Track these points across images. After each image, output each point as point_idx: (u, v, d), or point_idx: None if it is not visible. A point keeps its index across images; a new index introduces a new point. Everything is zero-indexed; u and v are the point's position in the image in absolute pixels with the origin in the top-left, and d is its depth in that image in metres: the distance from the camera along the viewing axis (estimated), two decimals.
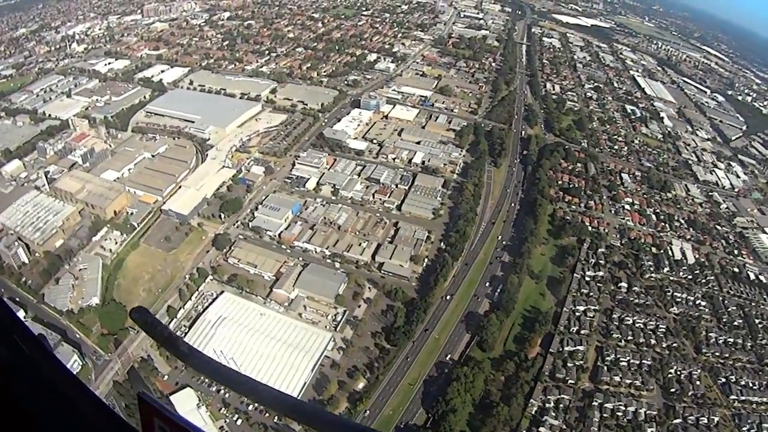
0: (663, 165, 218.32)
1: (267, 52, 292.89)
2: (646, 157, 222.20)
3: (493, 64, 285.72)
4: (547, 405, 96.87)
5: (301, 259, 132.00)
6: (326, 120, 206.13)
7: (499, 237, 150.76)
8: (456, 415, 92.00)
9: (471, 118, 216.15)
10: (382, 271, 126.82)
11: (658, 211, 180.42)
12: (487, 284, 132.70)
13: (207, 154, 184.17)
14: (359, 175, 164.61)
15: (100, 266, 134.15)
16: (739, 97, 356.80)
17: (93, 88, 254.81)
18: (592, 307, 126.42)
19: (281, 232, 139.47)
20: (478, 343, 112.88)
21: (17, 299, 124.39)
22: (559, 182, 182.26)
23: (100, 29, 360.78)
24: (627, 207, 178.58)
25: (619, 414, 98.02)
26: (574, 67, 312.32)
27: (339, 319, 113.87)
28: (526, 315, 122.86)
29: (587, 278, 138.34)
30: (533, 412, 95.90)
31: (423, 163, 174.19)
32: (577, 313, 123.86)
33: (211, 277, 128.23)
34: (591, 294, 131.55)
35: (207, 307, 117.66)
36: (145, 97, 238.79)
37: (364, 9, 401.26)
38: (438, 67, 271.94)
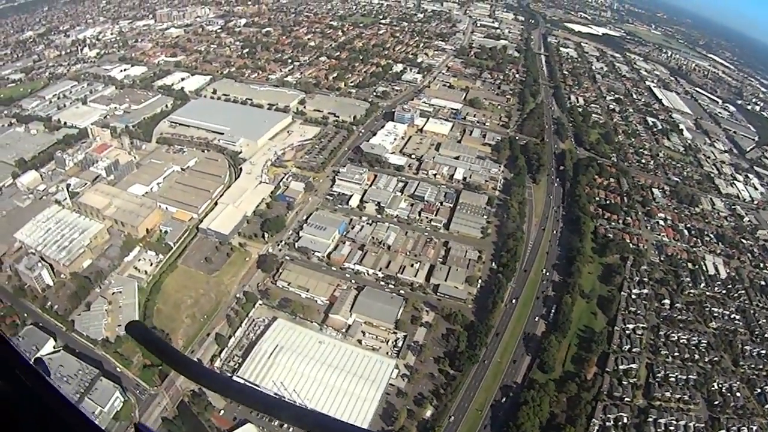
0: (688, 179, 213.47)
1: (290, 60, 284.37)
2: (671, 170, 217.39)
3: (517, 76, 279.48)
4: (607, 423, 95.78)
5: (354, 281, 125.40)
6: (360, 133, 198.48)
7: (547, 255, 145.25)
8: None
9: (503, 132, 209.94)
10: (438, 294, 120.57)
11: (689, 226, 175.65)
12: (541, 305, 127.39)
13: (241, 169, 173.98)
14: (402, 192, 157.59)
15: (136, 290, 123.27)
16: (749, 107, 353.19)
17: (110, 95, 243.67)
18: (641, 325, 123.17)
19: (329, 252, 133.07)
20: (538, 365, 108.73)
21: (41, 325, 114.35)
22: (597, 198, 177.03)
23: (111, 34, 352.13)
24: (661, 223, 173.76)
25: (671, 428, 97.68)
26: (594, 79, 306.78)
27: (400, 344, 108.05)
28: (581, 335, 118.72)
29: (633, 296, 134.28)
30: (596, 431, 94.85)
31: (464, 179, 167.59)
32: (627, 332, 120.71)
33: (260, 302, 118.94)
34: (638, 312, 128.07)
35: (260, 335, 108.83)
36: (166, 106, 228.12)
37: (381, 17, 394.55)
38: (464, 78, 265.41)
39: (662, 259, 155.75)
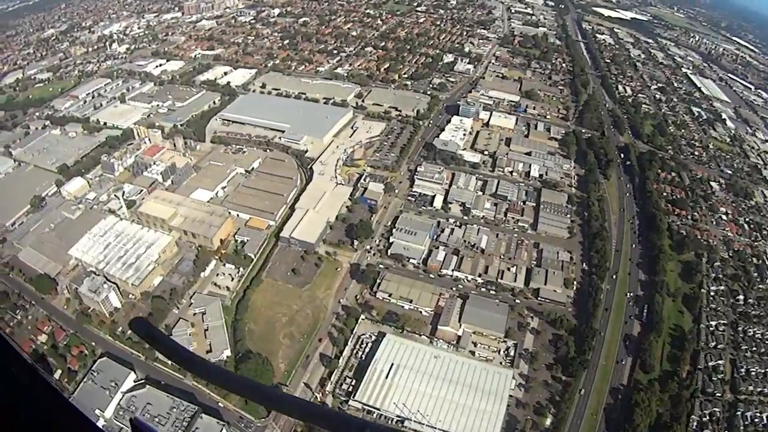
0: (739, 171, 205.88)
1: (335, 51, 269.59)
2: (723, 162, 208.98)
3: (564, 65, 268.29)
4: (703, 419, 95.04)
5: (454, 289, 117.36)
6: (427, 128, 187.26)
7: (630, 254, 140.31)
8: None
9: (564, 125, 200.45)
10: (539, 298, 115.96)
11: (748, 219, 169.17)
12: (632, 305, 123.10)
13: (311, 169, 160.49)
14: (483, 191, 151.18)
15: (221, 309, 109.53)
16: None
17: (149, 92, 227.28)
18: (722, 322, 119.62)
19: (424, 258, 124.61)
20: (640, 365, 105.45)
21: (114, 355, 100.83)
22: (664, 194, 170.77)
23: (139, 28, 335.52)
24: (723, 217, 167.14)
25: (756, 420, 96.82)
26: (635, 67, 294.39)
27: (512, 353, 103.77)
28: (672, 333, 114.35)
29: (711, 293, 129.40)
30: (694, 427, 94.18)
31: (540, 176, 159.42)
32: (711, 328, 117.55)
33: (363, 317, 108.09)
34: (718, 309, 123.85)
35: (370, 353, 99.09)
36: (214, 102, 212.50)
37: (415, 4, 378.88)
38: (513, 68, 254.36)
39: (730, 254, 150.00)
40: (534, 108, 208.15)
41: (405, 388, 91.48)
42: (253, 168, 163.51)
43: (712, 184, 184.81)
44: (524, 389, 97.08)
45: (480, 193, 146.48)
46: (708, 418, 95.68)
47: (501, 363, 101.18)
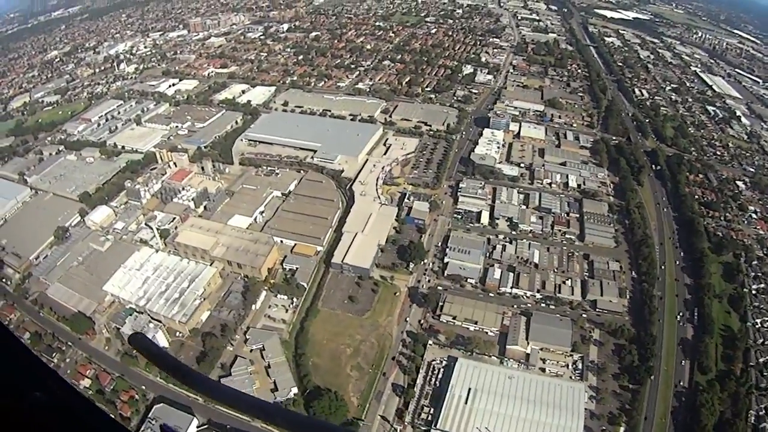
0: (761, 168, 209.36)
1: (353, 66, 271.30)
2: (744, 160, 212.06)
3: (579, 71, 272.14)
4: (760, 413, 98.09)
5: (515, 307, 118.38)
6: (460, 142, 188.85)
7: (674, 259, 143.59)
8: None
9: (591, 133, 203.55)
10: (597, 310, 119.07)
11: None
12: (683, 308, 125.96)
13: (351, 190, 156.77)
14: (526, 204, 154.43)
15: (279, 343, 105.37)
16: None
17: (166, 113, 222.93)
18: (766, 319, 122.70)
19: (481, 277, 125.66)
20: (698, 367, 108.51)
21: (166, 397, 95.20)
22: (696, 197, 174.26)
23: (145, 47, 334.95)
24: (753, 216, 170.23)
25: None
26: (647, 68, 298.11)
27: (580, 366, 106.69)
28: (722, 334, 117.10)
29: (753, 291, 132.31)
30: (752, 421, 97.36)
31: (578, 186, 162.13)
32: (757, 326, 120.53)
33: (431, 342, 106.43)
34: (762, 307, 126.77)
35: (444, 379, 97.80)
36: (236, 122, 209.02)
37: (423, 14, 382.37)
38: (532, 77, 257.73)
39: (765, 252, 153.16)
40: (560, 117, 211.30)
41: (485, 411, 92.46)
42: (290, 191, 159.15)
43: (738, 183, 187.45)
44: (596, 401, 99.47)
45: (524, 206, 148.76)
46: (765, 412, 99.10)
47: (571, 377, 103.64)
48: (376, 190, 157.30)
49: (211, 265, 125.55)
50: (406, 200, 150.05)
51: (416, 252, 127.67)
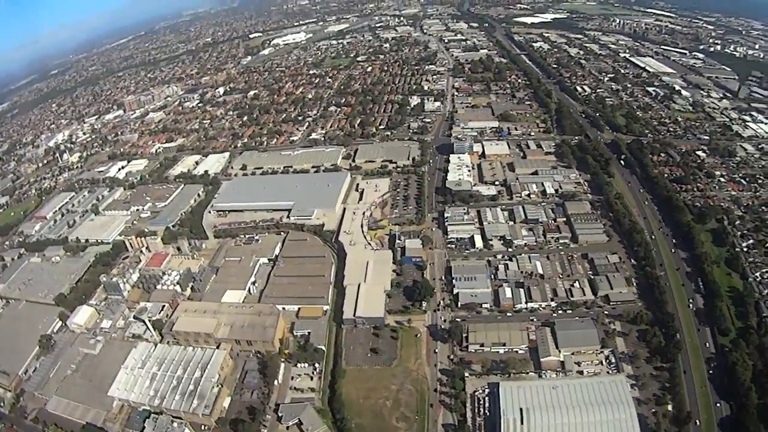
0: (713, 134, 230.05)
1: (300, 118, 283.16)
2: (696, 131, 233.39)
3: (519, 81, 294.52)
4: None
5: (535, 320, 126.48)
6: (429, 173, 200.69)
7: (665, 237, 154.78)
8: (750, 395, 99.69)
9: (549, 138, 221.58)
10: (611, 303, 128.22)
11: (741, 175, 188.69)
12: (688, 280, 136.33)
13: (338, 242, 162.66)
14: (513, 220, 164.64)
15: (315, 414, 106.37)
16: (711, 50, 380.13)
17: (123, 198, 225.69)
18: (764, 271, 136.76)
19: (494, 300, 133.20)
20: (719, 331, 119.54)
21: None
22: (665, 175, 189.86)
23: (84, 133, 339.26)
24: (722, 180, 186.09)
25: None
26: (581, 65, 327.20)
27: (613, 360, 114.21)
28: (729, 295, 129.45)
29: (744, 249, 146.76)
30: None
31: (556, 191, 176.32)
32: (758, 279, 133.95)
33: (467, 374, 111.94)
34: (756, 261, 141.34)
35: (491, 406, 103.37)
36: (198, 195, 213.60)
37: (353, 55, 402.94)
38: (477, 95, 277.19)
39: (743, 211, 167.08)
40: (516, 128, 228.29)
41: (542, 426, 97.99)
42: (276, 255, 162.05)
43: (699, 153, 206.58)
44: (638, 388, 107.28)
45: (511, 222, 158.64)
46: None
47: (608, 372, 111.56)
48: (364, 237, 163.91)
49: (218, 348, 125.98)
50: (397, 241, 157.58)
51: (425, 290, 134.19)
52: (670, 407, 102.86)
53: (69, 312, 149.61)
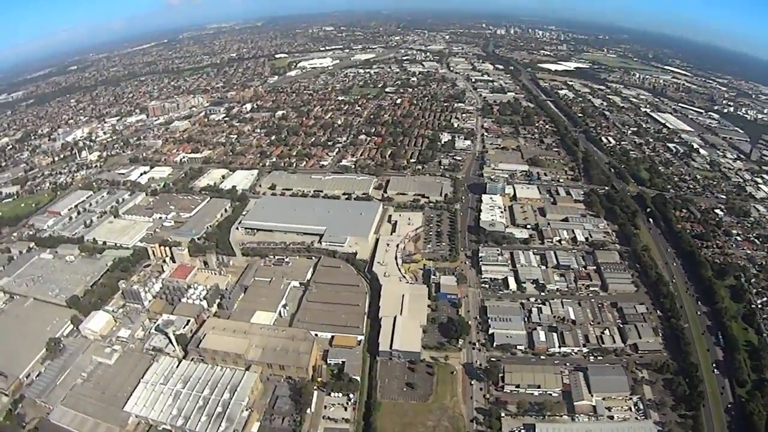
0: (729, 193, 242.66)
1: (330, 143, 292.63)
2: (714, 189, 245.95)
3: (547, 126, 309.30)
4: None
5: (567, 364, 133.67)
6: (462, 211, 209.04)
7: (687, 290, 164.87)
8: None
9: (578, 185, 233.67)
10: (639, 352, 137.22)
11: (755, 235, 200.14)
12: (708, 333, 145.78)
13: (373, 273, 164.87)
14: (545, 264, 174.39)
15: None
16: (725, 111, 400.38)
17: (145, 203, 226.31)
18: None
19: (528, 342, 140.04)
20: (736, 382, 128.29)
21: None
22: (687, 231, 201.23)
23: (104, 133, 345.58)
24: (738, 239, 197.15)
25: None
26: (605, 116, 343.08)
27: (641, 406, 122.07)
28: (746, 349, 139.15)
29: (760, 306, 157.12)
30: None
31: (586, 239, 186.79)
32: None
33: (503, 414, 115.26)
34: None
35: None
36: (225, 210, 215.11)
37: (380, 85, 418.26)
38: (506, 138, 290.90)
39: (757, 269, 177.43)
40: (546, 174, 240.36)
41: None
42: (308, 279, 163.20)
43: (717, 211, 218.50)
44: None
45: (543, 267, 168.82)
46: None
47: (636, 418, 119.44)
48: (399, 269, 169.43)
49: (247, 370, 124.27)
50: (432, 276, 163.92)
51: (461, 327, 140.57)
52: None
53: (82, 316, 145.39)
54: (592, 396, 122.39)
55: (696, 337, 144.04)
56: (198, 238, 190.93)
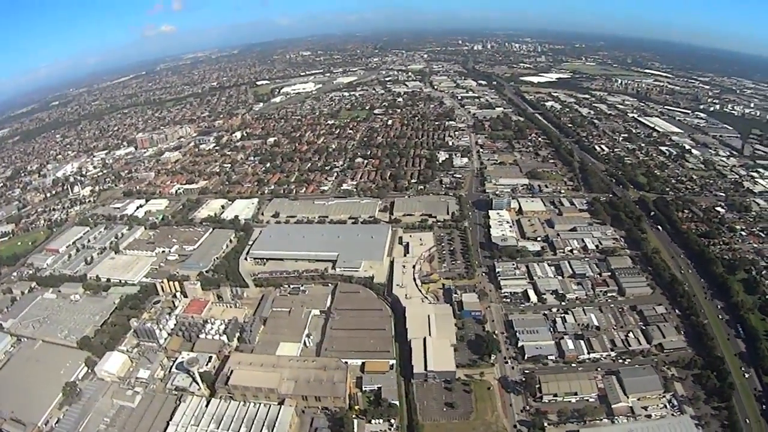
0: (727, 190, 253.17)
1: (327, 168, 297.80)
2: (711, 188, 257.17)
3: (539, 139, 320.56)
4: None
5: (599, 370, 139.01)
6: (471, 228, 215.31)
7: (701, 286, 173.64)
8: None
9: (579, 195, 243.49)
10: (665, 351, 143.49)
11: (759, 228, 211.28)
12: (726, 326, 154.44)
13: (393, 295, 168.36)
14: (561, 275, 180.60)
15: None
16: (711, 109, 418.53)
17: (146, 238, 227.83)
18: None
19: (557, 351, 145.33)
20: (762, 370, 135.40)
21: None
22: (693, 230, 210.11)
23: (94, 167, 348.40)
24: (743, 233, 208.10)
25: None
26: (594, 124, 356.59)
27: (675, 403, 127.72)
28: (764, 337, 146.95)
29: None
30: None
31: (597, 247, 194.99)
32: None
33: (546, 424, 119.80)
34: None
35: None
36: (230, 240, 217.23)
37: (367, 107, 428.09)
38: (501, 153, 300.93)
39: (767, 262, 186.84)
40: (546, 186, 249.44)
41: None
42: (328, 307, 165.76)
43: (718, 209, 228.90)
44: (701, 427, 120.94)
45: (560, 277, 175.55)
46: None
47: (673, 414, 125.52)
48: (419, 290, 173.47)
49: (280, 404, 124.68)
50: (454, 295, 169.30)
51: (491, 343, 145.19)
52: None
53: (96, 357, 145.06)
54: (627, 397, 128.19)
55: (717, 332, 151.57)
56: (206, 271, 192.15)
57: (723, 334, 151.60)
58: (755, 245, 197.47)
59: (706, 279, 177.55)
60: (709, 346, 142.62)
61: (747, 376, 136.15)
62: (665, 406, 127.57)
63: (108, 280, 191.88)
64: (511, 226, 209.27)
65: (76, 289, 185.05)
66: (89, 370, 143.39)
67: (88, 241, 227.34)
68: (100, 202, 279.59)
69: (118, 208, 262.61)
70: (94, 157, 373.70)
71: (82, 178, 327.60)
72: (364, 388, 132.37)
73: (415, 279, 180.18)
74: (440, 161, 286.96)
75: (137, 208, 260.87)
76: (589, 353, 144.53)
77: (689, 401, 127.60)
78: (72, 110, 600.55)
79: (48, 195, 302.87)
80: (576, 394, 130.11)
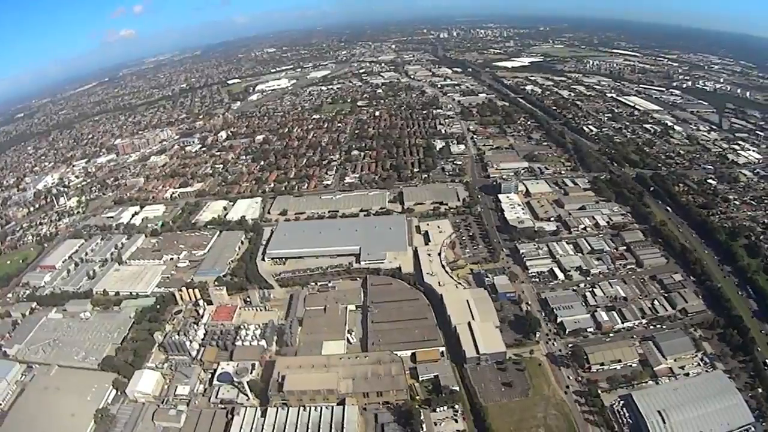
0: (714, 163, 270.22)
1: (325, 162, 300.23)
2: (699, 161, 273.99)
3: (529, 123, 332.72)
4: None
5: (634, 337, 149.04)
6: (483, 213, 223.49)
7: (707, 252, 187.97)
8: None
9: (579, 175, 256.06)
10: (689, 315, 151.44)
11: (750, 197, 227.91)
12: (738, 288, 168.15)
13: (426, 284, 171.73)
14: (581, 252, 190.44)
15: None
16: (683, 86, 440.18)
17: (150, 246, 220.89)
18: None
19: (594, 324, 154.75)
20: None
21: None
22: (692, 202, 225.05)
23: (76, 177, 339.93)
24: (736, 202, 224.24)
25: None
26: (577, 106, 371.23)
27: (707, 360, 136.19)
28: None
29: None
30: None
31: (608, 223, 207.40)
32: None
33: (599, 391, 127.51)
34: None
35: (633, 415, 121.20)
36: (242, 242, 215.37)
37: (349, 100, 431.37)
38: (495, 138, 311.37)
39: (762, 227, 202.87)
40: (546, 168, 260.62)
41: (680, 422, 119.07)
42: (363, 301, 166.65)
43: (710, 181, 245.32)
44: (733, 379, 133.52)
45: (580, 254, 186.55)
46: None
47: (707, 371, 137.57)
48: (450, 277, 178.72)
49: (340, 404, 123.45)
50: (485, 279, 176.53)
51: (534, 321, 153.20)
52: (760, 390, 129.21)
53: (123, 378, 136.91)
54: (666, 359, 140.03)
55: (731, 294, 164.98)
56: (223, 276, 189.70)
57: (736, 295, 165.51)
58: (749, 213, 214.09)
59: (711, 247, 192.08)
60: (727, 307, 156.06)
61: (762, 331, 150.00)
62: (699, 364, 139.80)
63: (117, 293, 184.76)
64: (523, 209, 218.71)
65: (83, 306, 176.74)
66: (119, 393, 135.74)
67: (86, 254, 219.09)
68: (89, 212, 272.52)
69: (112, 217, 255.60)
70: (74, 166, 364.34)
71: (66, 189, 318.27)
72: (421, 378, 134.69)
73: (444, 266, 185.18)
74: (438, 149, 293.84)
75: (132, 215, 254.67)
76: (622, 323, 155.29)
77: (718, 357, 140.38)
78: (39, 121, 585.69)
79: (31, 209, 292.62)
80: (620, 361, 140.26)
